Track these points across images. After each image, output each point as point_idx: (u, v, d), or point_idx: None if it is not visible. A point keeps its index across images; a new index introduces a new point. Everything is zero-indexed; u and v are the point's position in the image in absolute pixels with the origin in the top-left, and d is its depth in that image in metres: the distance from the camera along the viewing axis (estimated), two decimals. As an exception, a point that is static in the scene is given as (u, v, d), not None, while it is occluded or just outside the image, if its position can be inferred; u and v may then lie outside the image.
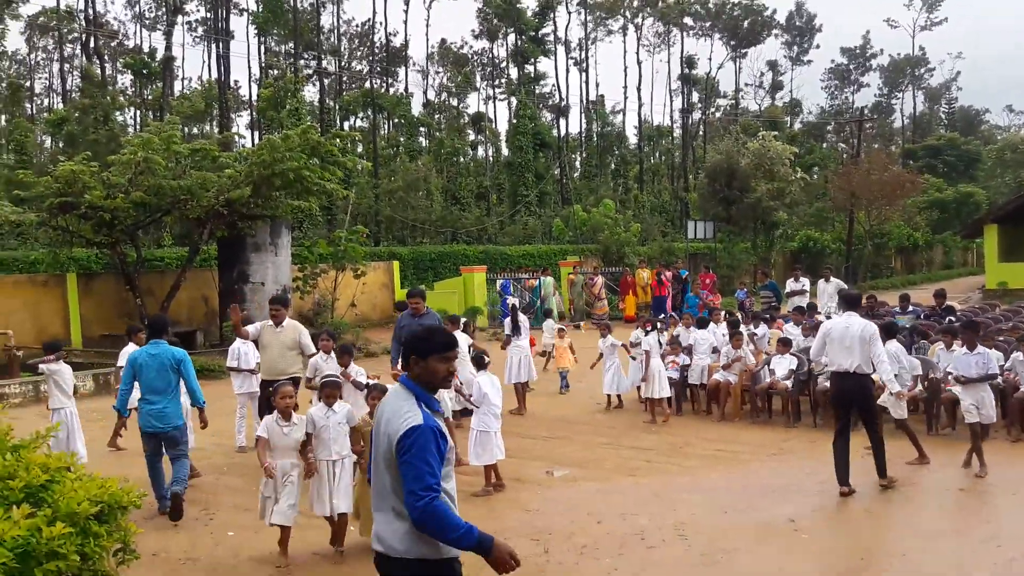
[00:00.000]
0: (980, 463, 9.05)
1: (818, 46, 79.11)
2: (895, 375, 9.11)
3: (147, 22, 57.62)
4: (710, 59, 73.87)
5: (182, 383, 8.41)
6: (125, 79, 56.34)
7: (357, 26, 65.44)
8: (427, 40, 68.41)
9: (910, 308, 15.41)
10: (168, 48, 47.54)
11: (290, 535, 7.06)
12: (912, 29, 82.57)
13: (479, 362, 9.49)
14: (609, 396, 13.61)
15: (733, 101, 73.95)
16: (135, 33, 59.58)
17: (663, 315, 19.33)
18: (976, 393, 9.16)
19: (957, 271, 55.31)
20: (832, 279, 19.87)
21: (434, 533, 3.62)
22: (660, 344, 13.04)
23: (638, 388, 13.24)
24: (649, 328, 13.22)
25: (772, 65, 77.30)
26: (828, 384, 11.51)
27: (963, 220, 49.96)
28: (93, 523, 4.57)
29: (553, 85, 59.72)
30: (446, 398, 9.97)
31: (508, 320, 14.73)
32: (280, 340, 9.57)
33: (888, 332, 10.18)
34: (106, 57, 51.46)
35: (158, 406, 8.16)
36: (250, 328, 9.86)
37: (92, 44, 46.55)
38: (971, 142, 69.68)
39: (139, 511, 5.65)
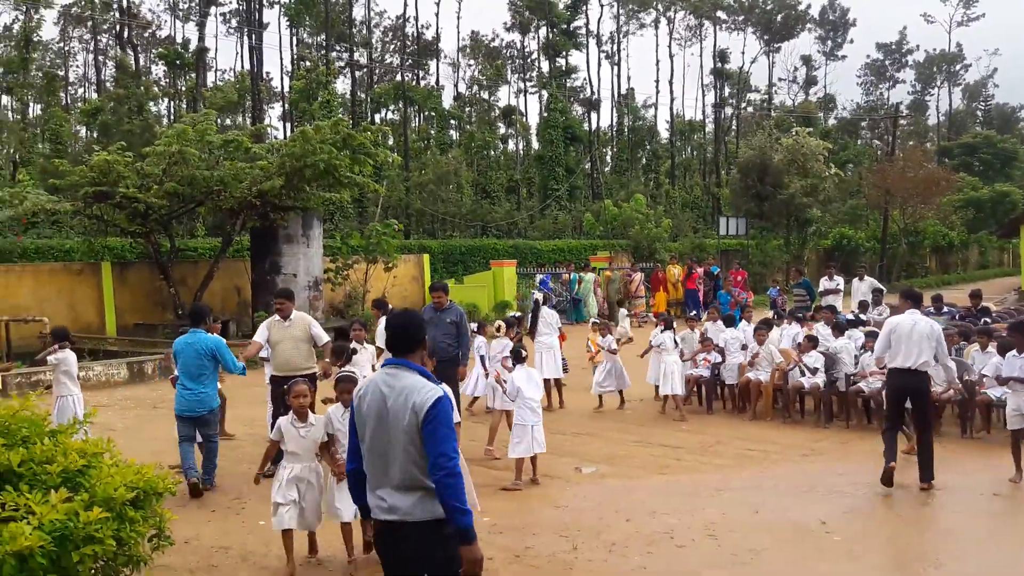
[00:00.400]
0: (1016, 468, 8.91)
1: (852, 41, 78.48)
2: None
3: (180, 13, 58.22)
4: (743, 53, 73.39)
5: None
6: (159, 70, 57.04)
7: (390, 19, 65.75)
8: (458, 32, 69.03)
9: (945, 309, 15.18)
10: (201, 39, 47.92)
11: (316, 535, 6.99)
12: (948, 24, 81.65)
13: (517, 356, 9.52)
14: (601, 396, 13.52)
15: (766, 96, 73.34)
16: (168, 24, 60.24)
17: (694, 311, 19.22)
18: (1021, 397, 8.97)
19: (993, 271, 54.55)
20: (866, 278, 19.65)
21: (452, 494, 3.82)
22: (676, 343, 12.97)
23: (656, 386, 13.22)
24: (664, 327, 13.20)
25: (806, 60, 76.49)
26: (861, 386, 11.48)
27: (999, 219, 49.11)
28: (129, 508, 4.62)
29: (584, 79, 59.51)
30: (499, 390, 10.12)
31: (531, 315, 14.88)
32: (291, 334, 9.35)
33: None
34: (140, 48, 51.98)
35: (195, 391, 8.71)
36: (257, 337, 9.60)
37: (126, 34, 47.05)
38: (1007, 140, 68.74)
39: (172, 498, 5.71)
